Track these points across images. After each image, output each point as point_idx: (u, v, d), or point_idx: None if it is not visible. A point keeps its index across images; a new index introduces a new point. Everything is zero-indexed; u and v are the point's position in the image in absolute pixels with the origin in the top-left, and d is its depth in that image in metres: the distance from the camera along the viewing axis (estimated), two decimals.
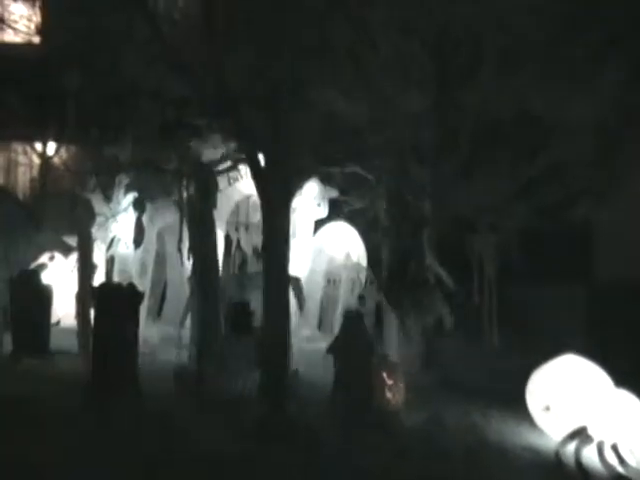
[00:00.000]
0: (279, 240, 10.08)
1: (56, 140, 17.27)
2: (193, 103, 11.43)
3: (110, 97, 13.03)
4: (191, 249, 12.37)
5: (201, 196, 11.88)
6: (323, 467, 8.22)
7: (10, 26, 16.81)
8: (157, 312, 15.57)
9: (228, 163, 12.45)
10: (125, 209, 14.81)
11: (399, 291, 12.12)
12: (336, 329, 13.56)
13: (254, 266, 13.56)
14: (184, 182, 12.52)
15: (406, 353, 12.07)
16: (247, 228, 14.66)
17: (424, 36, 10.90)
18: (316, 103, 10.15)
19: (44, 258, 15.82)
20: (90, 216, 14.10)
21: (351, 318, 10.53)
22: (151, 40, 10.57)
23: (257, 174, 10.27)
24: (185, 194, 12.57)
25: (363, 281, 14.34)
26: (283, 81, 9.68)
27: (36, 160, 18.84)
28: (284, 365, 10.20)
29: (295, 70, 9.62)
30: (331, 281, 14.94)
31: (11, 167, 20.15)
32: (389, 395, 10.26)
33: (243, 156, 11.26)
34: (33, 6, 17.03)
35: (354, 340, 10.33)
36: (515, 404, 10.10)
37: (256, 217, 14.21)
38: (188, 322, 12.76)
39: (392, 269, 12.37)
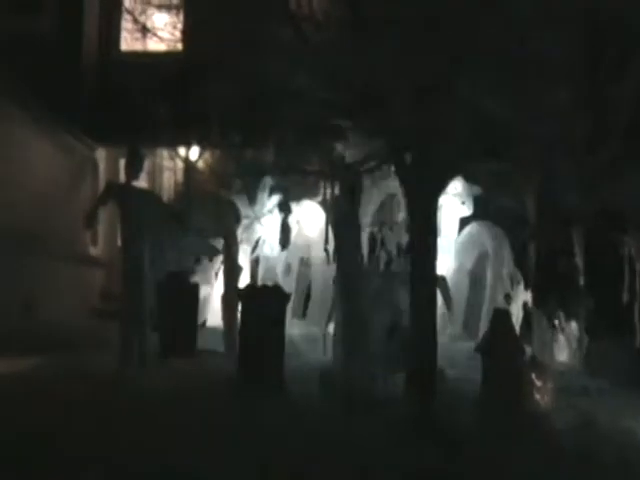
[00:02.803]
0: (426, 239, 9.98)
1: (200, 144, 17.53)
2: (337, 104, 11.41)
3: (253, 100, 13.14)
4: (336, 249, 12.38)
5: (346, 196, 11.86)
6: (471, 468, 8.08)
7: (154, 34, 17.12)
8: (302, 313, 15.64)
9: (372, 163, 12.42)
10: (270, 211, 14.94)
11: (548, 291, 11.91)
12: (481, 328, 13.40)
13: (399, 265, 13.46)
14: (328, 183, 12.56)
15: (555, 354, 11.84)
16: (391, 227, 14.61)
17: (574, 28, 10.64)
18: (462, 99, 10.00)
19: (190, 260, 16.08)
20: (236, 218, 14.27)
21: (499, 317, 10.36)
22: (294, 42, 10.58)
23: (403, 173, 10.18)
24: (329, 195, 12.61)
25: (509, 280, 14.11)
26: (429, 79, 9.57)
27: (180, 164, 19.19)
28: (431, 365, 10.08)
29: (442, 67, 9.49)
30: (476, 280, 14.75)
31: (156, 172, 20.58)
32: (538, 396, 10.04)
33: (388, 155, 11.22)
34: (176, 14, 17.32)
35: (502, 339, 10.16)
36: None
37: (400, 216, 14.16)
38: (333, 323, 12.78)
39: (540, 268, 12.16)
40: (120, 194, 12.10)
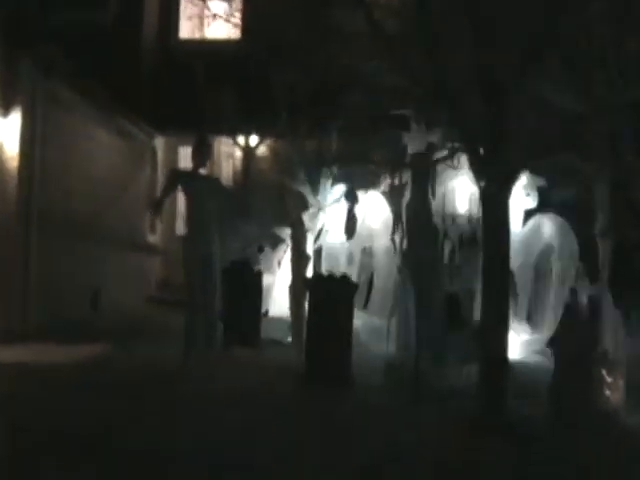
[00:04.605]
0: (497, 231, 9.84)
1: (262, 133, 17.52)
2: (405, 93, 11.31)
3: (318, 89, 13.07)
4: (407, 239, 12.30)
5: (418, 186, 11.77)
6: (541, 463, 7.99)
7: (215, 15, 17.06)
8: (364, 303, 15.56)
9: (441, 153, 12.31)
10: (337, 200, 14.85)
11: (622, 286, 11.70)
12: (546, 322, 13.29)
13: (462, 257, 13.37)
14: (395, 173, 12.47)
15: (628, 350, 11.66)
16: (454, 219, 14.50)
17: None
18: (534, 92, 9.87)
19: (253, 249, 16.04)
20: (303, 207, 14.21)
21: (571, 311, 10.25)
22: (365, 31, 10.47)
23: (475, 164, 10.05)
24: (394, 185, 12.53)
25: (574, 274, 13.94)
26: (503, 71, 9.44)
27: (242, 153, 19.18)
28: (502, 358, 9.96)
29: (515, 60, 9.36)
30: (541, 273, 14.59)
31: (220, 160, 20.57)
32: (608, 393, 9.90)
33: (457, 146, 11.11)
34: (234, 1, 17.34)
35: (574, 334, 10.04)
36: None
37: (463, 208, 14.03)
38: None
39: (614, 263, 11.95)
40: (188, 181, 12.04)
